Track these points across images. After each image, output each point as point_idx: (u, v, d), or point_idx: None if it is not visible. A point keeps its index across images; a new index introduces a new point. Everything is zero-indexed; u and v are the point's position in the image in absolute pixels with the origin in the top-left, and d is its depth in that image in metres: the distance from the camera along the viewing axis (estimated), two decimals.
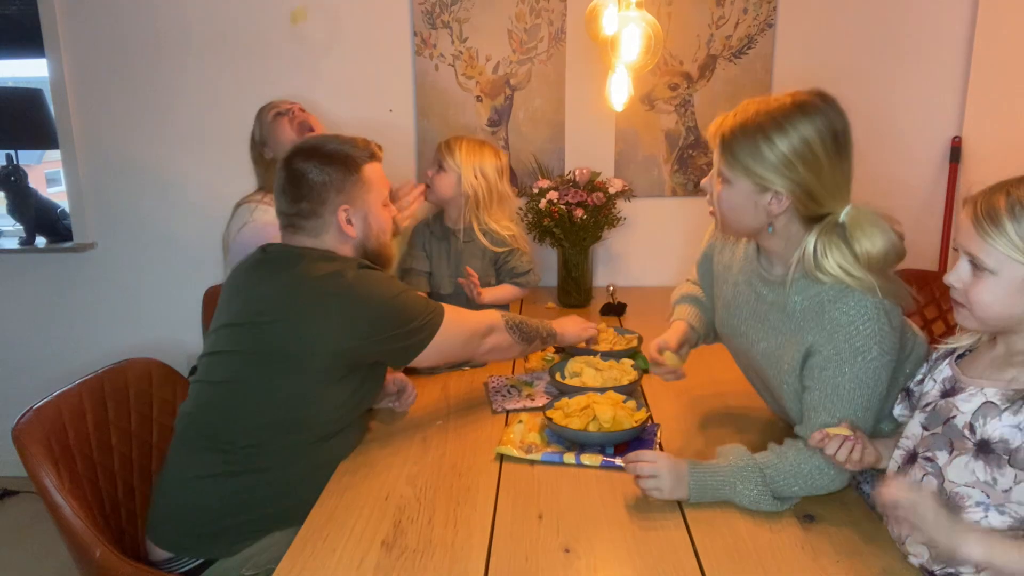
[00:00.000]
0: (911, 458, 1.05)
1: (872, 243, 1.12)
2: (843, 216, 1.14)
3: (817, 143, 1.11)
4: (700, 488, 1.18)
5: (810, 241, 1.16)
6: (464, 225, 2.07)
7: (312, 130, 2.02)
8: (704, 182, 1.27)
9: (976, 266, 0.96)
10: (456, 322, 1.45)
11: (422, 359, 1.41)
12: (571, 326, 1.76)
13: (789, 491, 1.16)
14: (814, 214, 1.16)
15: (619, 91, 2.19)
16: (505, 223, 2.12)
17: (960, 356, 1.08)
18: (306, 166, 1.39)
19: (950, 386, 1.04)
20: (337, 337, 1.30)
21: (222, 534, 1.30)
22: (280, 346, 1.29)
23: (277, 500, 1.32)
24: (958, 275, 0.99)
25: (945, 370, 1.08)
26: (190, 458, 1.34)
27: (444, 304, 1.46)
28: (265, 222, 1.90)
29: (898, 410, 1.19)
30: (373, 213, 1.46)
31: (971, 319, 1.00)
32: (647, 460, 1.19)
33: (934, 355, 1.13)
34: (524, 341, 1.58)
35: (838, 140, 1.13)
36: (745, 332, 1.33)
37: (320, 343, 1.29)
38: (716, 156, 1.19)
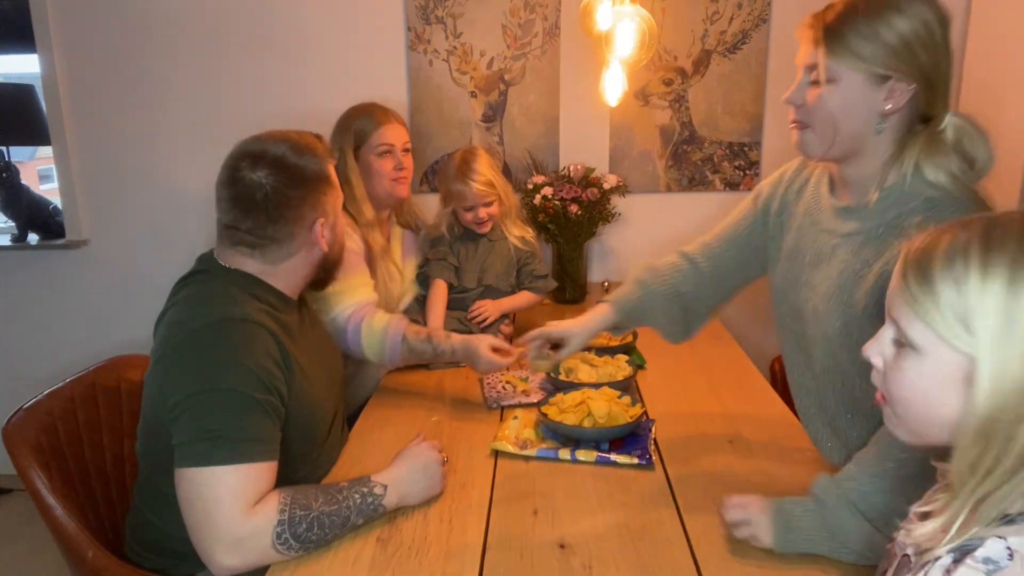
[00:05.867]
0: None
1: (978, 151, 1.01)
2: (946, 121, 1.01)
3: (936, 27, 0.99)
4: (783, 529, 1.01)
5: (913, 147, 1.03)
6: (493, 228, 2.05)
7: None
8: (789, 94, 1.09)
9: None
10: (235, 484, 1.03)
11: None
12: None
13: (885, 507, 0.93)
14: (926, 113, 1.03)
15: (613, 86, 2.19)
16: (524, 226, 2.11)
17: None
18: (276, 181, 1.20)
19: None
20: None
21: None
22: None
23: None
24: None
25: None
26: (158, 477, 1.20)
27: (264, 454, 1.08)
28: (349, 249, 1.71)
29: None
30: (340, 218, 1.37)
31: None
32: (735, 504, 1.05)
33: None
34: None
35: (947, 31, 1.00)
36: (808, 279, 1.17)
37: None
38: (818, 53, 1.03)
